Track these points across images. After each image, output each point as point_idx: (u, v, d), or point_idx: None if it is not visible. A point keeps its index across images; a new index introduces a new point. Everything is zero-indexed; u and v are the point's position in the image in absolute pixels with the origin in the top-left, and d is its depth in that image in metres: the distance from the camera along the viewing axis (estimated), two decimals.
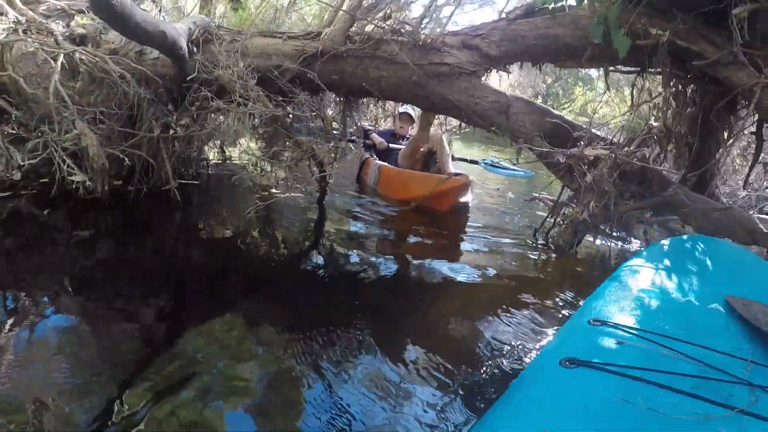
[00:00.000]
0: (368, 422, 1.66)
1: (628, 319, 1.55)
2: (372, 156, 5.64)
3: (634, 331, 1.45)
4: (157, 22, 2.99)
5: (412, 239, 4.03)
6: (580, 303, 2.72)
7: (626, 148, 3.62)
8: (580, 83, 15.35)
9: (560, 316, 2.69)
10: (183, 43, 3.26)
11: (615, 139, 3.80)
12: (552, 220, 4.05)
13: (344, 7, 3.88)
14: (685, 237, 2.41)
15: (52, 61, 3.16)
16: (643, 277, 2.00)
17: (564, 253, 3.83)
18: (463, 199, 4.87)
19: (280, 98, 3.44)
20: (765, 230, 4.07)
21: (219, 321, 2.15)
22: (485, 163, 6.27)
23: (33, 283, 2.30)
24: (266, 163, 3.60)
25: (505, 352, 2.22)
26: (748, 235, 4.02)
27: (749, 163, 5.88)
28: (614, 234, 4.12)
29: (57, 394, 1.56)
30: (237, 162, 5.54)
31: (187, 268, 2.85)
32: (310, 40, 3.63)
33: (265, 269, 2.92)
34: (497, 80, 4.35)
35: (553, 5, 3.53)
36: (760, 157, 5.03)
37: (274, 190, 3.65)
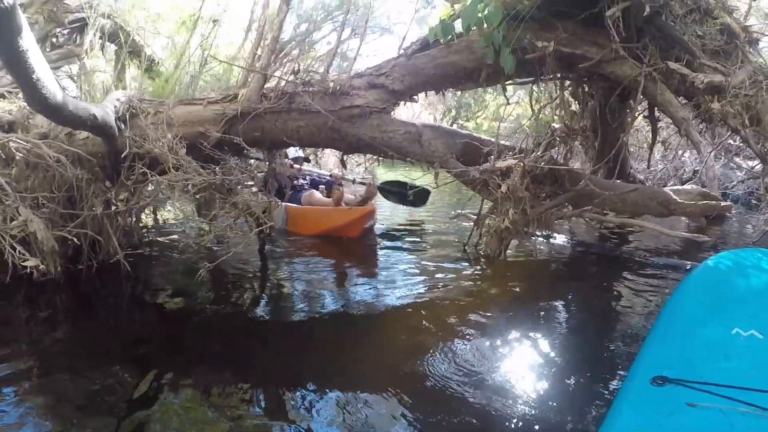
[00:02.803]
0: None
1: (695, 372, 1.36)
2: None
3: (705, 388, 1.26)
4: (87, 106, 3.16)
5: (354, 271, 4.32)
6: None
7: (534, 154, 3.95)
8: (490, 89, 15.83)
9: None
10: (112, 121, 3.42)
11: (523, 146, 4.12)
12: (478, 233, 4.38)
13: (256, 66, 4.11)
14: (735, 252, 2.19)
15: None
16: (698, 311, 1.84)
17: (494, 260, 4.15)
18: (369, 225, 5.39)
19: (211, 165, 3.64)
20: (679, 200, 4.47)
21: (181, 390, 2.27)
22: None
23: None
24: (204, 224, 3.76)
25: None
26: (662, 207, 4.42)
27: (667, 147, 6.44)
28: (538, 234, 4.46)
29: None
30: (173, 223, 5.67)
31: (143, 336, 2.97)
32: (229, 103, 3.84)
33: (218, 326, 3.06)
34: (408, 104, 4.63)
35: (443, 39, 3.85)
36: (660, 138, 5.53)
37: (215, 247, 3.79)
